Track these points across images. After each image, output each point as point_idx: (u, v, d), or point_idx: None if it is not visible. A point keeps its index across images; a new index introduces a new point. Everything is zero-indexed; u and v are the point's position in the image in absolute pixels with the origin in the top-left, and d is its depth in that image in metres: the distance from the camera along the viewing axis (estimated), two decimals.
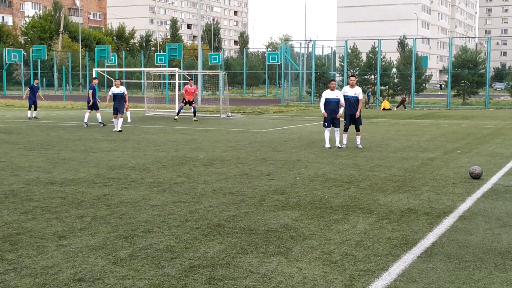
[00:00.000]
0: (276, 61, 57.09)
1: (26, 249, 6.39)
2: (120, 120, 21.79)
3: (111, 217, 7.97)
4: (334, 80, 17.11)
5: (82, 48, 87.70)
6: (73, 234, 7.03)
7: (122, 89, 22.77)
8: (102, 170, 12.07)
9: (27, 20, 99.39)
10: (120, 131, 21.24)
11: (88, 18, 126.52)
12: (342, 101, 16.44)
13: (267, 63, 62.90)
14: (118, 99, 22.52)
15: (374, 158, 14.39)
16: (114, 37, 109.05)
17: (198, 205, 8.75)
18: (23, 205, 8.64)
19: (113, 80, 24.26)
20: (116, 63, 63.50)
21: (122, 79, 55.55)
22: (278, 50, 62.61)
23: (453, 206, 8.87)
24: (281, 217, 8.04)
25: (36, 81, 29.61)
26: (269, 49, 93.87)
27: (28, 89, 28.78)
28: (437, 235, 7.17)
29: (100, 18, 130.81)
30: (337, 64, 58.29)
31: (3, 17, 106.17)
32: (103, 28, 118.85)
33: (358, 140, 16.64)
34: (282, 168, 12.57)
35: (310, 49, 59.20)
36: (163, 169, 12.35)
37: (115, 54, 64.94)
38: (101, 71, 42.27)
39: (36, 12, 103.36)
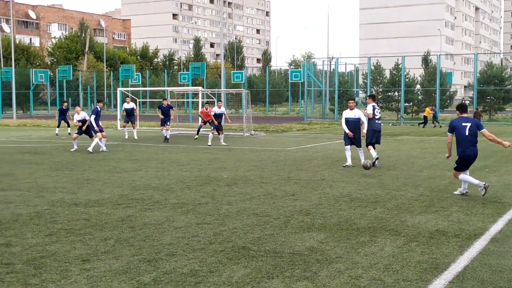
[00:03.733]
0: (299, 78, 57.06)
1: (50, 273, 6.33)
2: (136, 130, 22.02)
3: (134, 239, 7.90)
4: (352, 100, 16.87)
5: (106, 67, 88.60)
6: (96, 258, 6.96)
7: (132, 105, 27.25)
8: (125, 191, 12.05)
9: (54, 41, 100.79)
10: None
11: (113, 38, 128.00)
12: (363, 119, 16.27)
13: (290, 81, 62.88)
14: (129, 113, 27.14)
15: (400, 177, 14.18)
16: (138, 57, 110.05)
17: (222, 227, 8.64)
18: (47, 227, 8.62)
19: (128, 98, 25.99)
20: (140, 82, 64.02)
21: (146, 98, 56.06)
22: (300, 68, 62.59)
23: (484, 227, 8.64)
24: (307, 239, 7.90)
25: (65, 103, 31.09)
26: (291, 67, 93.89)
27: (58, 111, 31.32)
28: (469, 258, 6.96)
29: (124, 38, 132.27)
30: (360, 81, 58.08)
31: (30, 38, 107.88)
32: (127, 48, 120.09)
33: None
34: (306, 188, 12.43)
35: (332, 67, 59.13)
36: (187, 189, 12.29)
37: (139, 73, 65.49)
38: (125, 90, 42.57)
39: (62, 33, 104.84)
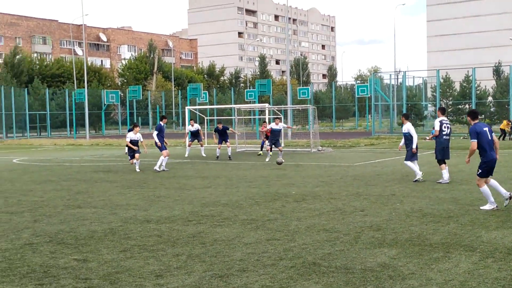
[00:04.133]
0: (365, 93, 56.53)
1: None
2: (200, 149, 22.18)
3: (206, 255, 7.99)
4: (403, 114, 16.96)
5: (174, 87, 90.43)
6: (169, 273, 7.09)
7: (196, 127, 27.84)
8: (196, 208, 12.22)
9: (124, 62, 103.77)
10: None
11: (180, 58, 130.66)
12: (412, 133, 16.28)
13: (356, 96, 62.40)
14: (194, 134, 27.50)
15: (473, 191, 13.80)
16: (205, 75, 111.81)
17: (292, 243, 8.64)
18: (121, 244, 8.84)
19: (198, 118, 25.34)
20: (207, 100, 64.96)
21: (213, 116, 56.74)
22: (367, 82, 62.07)
23: None
24: (378, 255, 7.80)
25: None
26: (358, 82, 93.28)
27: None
28: None
29: (191, 57, 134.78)
30: (429, 94, 57.04)
31: (101, 60, 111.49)
32: (194, 67, 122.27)
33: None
34: (376, 203, 12.28)
35: (400, 80, 58.34)
36: (256, 205, 12.35)
37: (206, 91, 66.48)
38: (193, 109, 43.29)
39: (131, 54, 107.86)
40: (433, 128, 16.52)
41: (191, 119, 30.86)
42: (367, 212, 11.24)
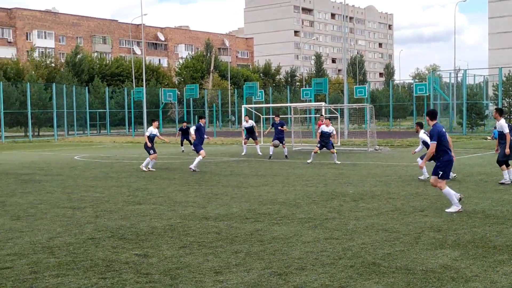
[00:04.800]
0: (424, 92, 55.50)
1: (186, 284, 6.57)
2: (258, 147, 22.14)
3: (264, 253, 8.01)
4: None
5: (231, 85, 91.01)
6: (228, 270, 7.14)
7: (251, 123, 28.41)
8: (253, 205, 12.26)
9: (181, 61, 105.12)
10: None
11: (236, 56, 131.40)
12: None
13: (414, 95, 61.36)
14: (249, 130, 28.22)
15: None
16: (261, 74, 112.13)
17: (350, 242, 8.57)
18: (181, 240, 8.95)
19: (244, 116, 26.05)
20: (263, 99, 65.09)
21: (269, 115, 56.88)
22: (425, 81, 60.92)
23: None
24: (439, 256, 7.65)
25: (185, 123, 32.61)
26: (416, 80, 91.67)
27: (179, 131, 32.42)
28: None
29: (247, 56, 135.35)
30: (491, 93, 55.58)
31: (159, 59, 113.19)
32: (250, 66, 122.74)
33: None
34: (436, 204, 12.05)
35: (459, 79, 57.05)
36: (313, 204, 12.31)
37: (262, 90, 66.60)
38: (249, 107, 43.50)
39: (188, 53, 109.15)
40: (495, 128, 16.03)
41: (245, 115, 31.15)
42: (427, 212, 11.04)
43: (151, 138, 21.23)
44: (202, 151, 20.27)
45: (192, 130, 21.25)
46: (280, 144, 25.42)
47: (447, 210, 11.07)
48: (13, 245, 8.77)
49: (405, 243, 8.47)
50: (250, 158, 25.90)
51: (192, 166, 20.25)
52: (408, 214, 10.85)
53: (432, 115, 11.39)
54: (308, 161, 23.03)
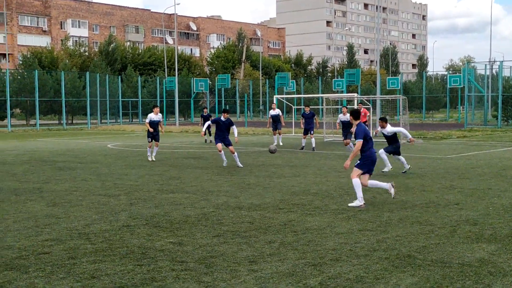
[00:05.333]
0: (458, 83, 54.87)
1: (221, 273, 6.61)
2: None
3: (298, 243, 8.02)
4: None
5: (262, 76, 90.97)
6: (263, 260, 7.16)
7: (277, 111, 28.11)
8: (286, 196, 12.27)
9: (212, 51, 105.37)
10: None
11: (268, 47, 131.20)
12: None
13: (448, 86, 60.63)
14: (274, 119, 27.86)
15: None
16: (293, 64, 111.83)
17: (385, 234, 8.52)
18: (214, 229, 9.00)
19: (292, 106, 25.09)
20: (295, 90, 64.94)
21: (300, 105, 56.71)
22: (459, 73, 60.13)
23: None
24: (476, 250, 7.56)
25: (206, 110, 31.91)
26: (449, 72, 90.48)
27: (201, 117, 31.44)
28: None
29: (279, 46, 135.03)
30: None
31: (191, 49, 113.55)
32: (282, 56, 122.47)
33: None
34: (471, 197, 11.90)
35: (495, 70, 56.12)
36: (346, 195, 12.26)
37: (294, 81, 66.44)
38: (280, 97, 43.45)
39: (220, 43, 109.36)
40: None
41: (273, 103, 31.02)
42: (462, 206, 10.92)
43: (154, 124, 20.80)
44: (218, 144, 18.70)
45: (206, 124, 20.25)
46: (309, 134, 25.20)
47: (350, 205, 11.02)
48: (51, 231, 8.92)
49: (441, 236, 8.39)
50: (281, 148, 25.86)
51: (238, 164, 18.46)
52: (443, 207, 10.74)
53: (356, 114, 11.47)
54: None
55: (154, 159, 20.37)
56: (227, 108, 21.27)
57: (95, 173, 16.84)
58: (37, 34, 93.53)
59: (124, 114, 64.21)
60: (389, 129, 16.55)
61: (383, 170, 16.50)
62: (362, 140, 11.07)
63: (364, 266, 6.84)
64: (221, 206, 11.03)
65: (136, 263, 7.05)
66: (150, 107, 67.57)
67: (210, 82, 73.16)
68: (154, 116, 20.82)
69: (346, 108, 24.76)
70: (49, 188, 13.72)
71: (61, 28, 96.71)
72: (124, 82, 67.16)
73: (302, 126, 26.51)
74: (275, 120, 28.13)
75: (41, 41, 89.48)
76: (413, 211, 10.35)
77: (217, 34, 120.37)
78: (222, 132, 18.62)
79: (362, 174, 11.23)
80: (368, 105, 36.09)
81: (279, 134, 28.28)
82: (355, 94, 38.70)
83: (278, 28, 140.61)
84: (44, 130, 49.34)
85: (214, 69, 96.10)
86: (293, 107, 42.73)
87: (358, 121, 11.38)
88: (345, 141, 23.58)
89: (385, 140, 17.13)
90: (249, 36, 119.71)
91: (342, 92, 51.57)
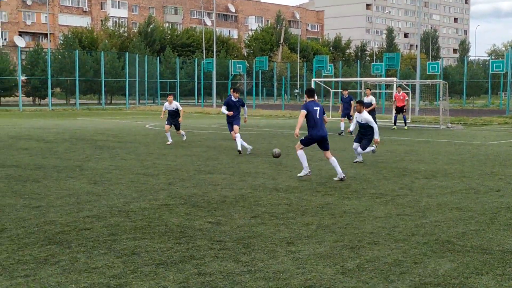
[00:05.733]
0: (500, 69, 53.73)
1: (258, 253, 6.65)
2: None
3: (335, 226, 8.01)
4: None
5: (300, 59, 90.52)
6: (300, 241, 7.18)
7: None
8: (323, 179, 12.25)
9: (250, 33, 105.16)
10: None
11: (306, 29, 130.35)
12: None
13: (490, 72, 59.44)
14: (345, 105, 26.03)
15: None
16: (331, 48, 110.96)
17: (423, 219, 8.46)
18: (252, 210, 9.05)
19: (342, 90, 24.86)
20: (333, 73, 64.50)
21: (338, 89, 56.35)
22: (502, 58, 58.85)
23: None
24: None
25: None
26: (492, 57, 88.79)
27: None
28: None
29: (317, 29, 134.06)
30: None
31: (229, 31, 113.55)
32: (320, 39, 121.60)
33: None
34: None
35: None
36: (384, 180, 12.18)
37: (332, 64, 65.97)
38: (318, 81, 43.21)
39: (258, 25, 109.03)
40: None
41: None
42: (504, 192, 10.75)
43: (171, 113, 19.90)
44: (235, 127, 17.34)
45: (224, 109, 17.67)
46: (347, 118, 24.97)
47: (298, 175, 12.32)
48: (92, 207, 9.09)
49: (481, 222, 8.29)
50: None
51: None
52: (483, 194, 10.59)
53: (309, 93, 12.46)
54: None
55: (171, 142, 19.41)
56: (238, 87, 18.70)
57: (134, 152, 17.05)
58: (77, 14, 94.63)
59: (162, 95, 64.61)
60: (365, 116, 14.73)
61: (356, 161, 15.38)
62: (305, 111, 12.13)
63: (402, 250, 6.81)
64: (259, 188, 11.07)
65: (175, 241, 7.15)
66: (188, 88, 68.12)
67: (248, 65, 73.12)
68: (169, 105, 19.89)
69: (370, 90, 24.71)
70: (90, 166, 13.96)
71: (101, 9, 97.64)
72: (163, 63, 67.60)
73: (340, 110, 26.37)
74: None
75: (82, 21, 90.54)
76: (453, 197, 10.24)
77: (255, 16, 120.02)
78: (236, 114, 17.46)
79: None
80: (407, 89, 35.65)
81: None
82: (394, 79, 38.26)
83: (317, 11, 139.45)
84: (83, 110, 50.11)
85: (252, 52, 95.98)
86: (330, 90, 42.48)
87: (310, 99, 12.35)
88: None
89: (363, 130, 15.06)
90: (288, 19, 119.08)
91: (381, 76, 50.97)
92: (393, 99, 29.05)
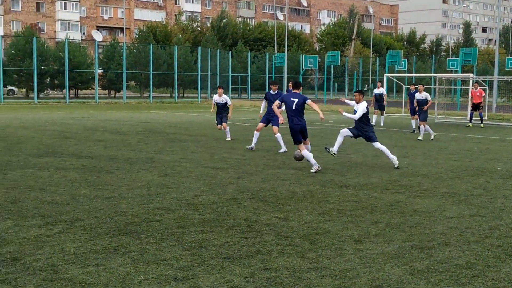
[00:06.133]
0: None
1: (325, 250, 6.59)
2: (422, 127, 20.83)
3: (405, 225, 7.84)
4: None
5: (372, 53, 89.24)
6: (368, 240, 7.06)
7: (381, 90, 27.32)
8: (393, 176, 12.02)
9: (323, 27, 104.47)
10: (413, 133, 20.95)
11: (380, 24, 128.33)
12: None
13: None
14: (378, 99, 26.94)
15: None
16: (405, 42, 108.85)
17: (498, 221, 8.16)
18: (320, 206, 8.98)
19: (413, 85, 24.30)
20: (406, 69, 63.26)
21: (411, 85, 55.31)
22: None
23: None
24: None
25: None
26: None
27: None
28: None
29: (391, 23, 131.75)
30: None
31: (301, 25, 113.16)
32: (393, 34, 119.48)
33: None
34: None
35: None
36: (457, 179, 11.84)
37: (405, 59, 64.70)
38: (391, 76, 42.50)
39: (331, 19, 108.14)
40: None
41: (378, 81, 30.35)
42: None
43: (219, 107, 19.09)
44: (275, 127, 16.46)
45: (275, 105, 16.76)
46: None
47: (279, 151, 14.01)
48: (162, 199, 9.25)
49: None
50: (390, 128, 25.36)
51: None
52: None
53: (295, 85, 13.39)
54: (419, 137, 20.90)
55: (229, 139, 18.90)
56: (276, 80, 16.82)
57: (204, 146, 17.25)
58: (152, 9, 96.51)
59: (233, 89, 65.20)
60: (361, 105, 13.50)
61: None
62: (279, 102, 13.51)
63: (475, 252, 6.59)
64: (327, 184, 10.98)
65: (242, 235, 7.17)
66: (259, 82, 68.37)
67: (319, 59, 72.72)
68: (218, 98, 19.06)
69: (423, 85, 23.19)
70: (161, 158, 14.22)
71: (176, 4, 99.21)
72: (234, 57, 68.09)
73: (407, 107, 25.79)
74: (378, 99, 27.38)
75: (156, 16, 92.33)
76: None
77: (328, 11, 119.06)
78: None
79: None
80: (484, 85, 34.56)
81: (381, 114, 27.22)
82: (471, 74, 37.17)
83: (391, 5, 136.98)
84: (156, 103, 51.14)
85: (323, 46, 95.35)
86: (403, 86, 41.72)
87: (295, 90, 13.21)
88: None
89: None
90: (361, 13, 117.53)
91: (456, 72, 49.62)
92: (470, 96, 28.25)
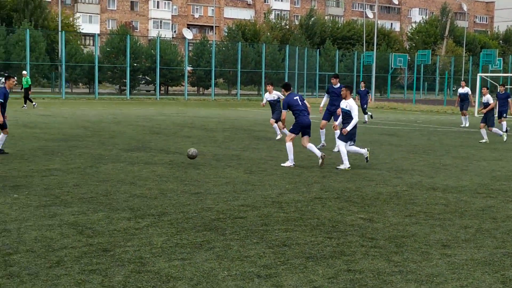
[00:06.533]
0: None
1: (411, 253, 6.43)
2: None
3: (497, 231, 7.54)
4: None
5: (466, 52, 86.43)
6: (457, 245, 6.84)
7: (466, 90, 26.66)
8: (485, 180, 11.59)
9: (413, 25, 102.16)
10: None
11: (474, 22, 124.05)
12: None
13: None
14: (462, 98, 26.41)
15: None
16: (501, 41, 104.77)
17: None
18: (406, 208, 8.78)
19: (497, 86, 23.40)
20: (501, 68, 60.89)
21: (507, 85, 53.11)
22: None
23: None
24: None
25: (362, 83, 28.37)
26: None
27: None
28: None
29: (486, 21, 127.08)
30: None
31: (391, 23, 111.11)
32: (488, 32, 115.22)
33: None
34: None
35: None
36: None
37: (501, 58, 62.31)
38: (485, 76, 41.06)
39: (422, 17, 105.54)
40: None
41: (462, 81, 29.44)
42: None
43: (272, 104, 18.70)
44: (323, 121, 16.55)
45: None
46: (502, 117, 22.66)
47: (282, 165, 12.69)
48: (247, 197, 9.32)
49: None
50: (460, 129, 24.40)
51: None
52: None
53: (286, 87, 13.36)
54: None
55: (279, 138, 18.24)
56: (337, 74, 16.09)
57: None
58: (242, 7, 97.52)
59: (321, 87, 64.89)
60: (351, 103, 12.98)
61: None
62: (286, 111, 13.12)
63: None
64: (415, 186, 10.72)
65: (326, 235, 7.12)
66: (346, 81, 67.65)
67: (409, 58, 71.17)
68: (269, 95, 18.68)
69: (502, 85, 22.42)
70: (247, 156, 14.34)
71: (265, 2, 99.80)
72: (322, 55, 67.73)
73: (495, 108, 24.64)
74: (463, 98, 26.40)
75: (246, 14, 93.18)
76: None
77: (419, 8, 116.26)
78: (336, 103, 15.65)
79: (302, 136, 13.03)
80: None
81: (464, 115, 26.16)
82: None
83: (487, 2, 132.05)
84: (244, 100, 51.65)
85: (414, 45, 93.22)
86: (498, 86, 40.19)
87: (288, 92, 13.20)
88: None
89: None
90: (454, 10, 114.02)
91: None
92: None
